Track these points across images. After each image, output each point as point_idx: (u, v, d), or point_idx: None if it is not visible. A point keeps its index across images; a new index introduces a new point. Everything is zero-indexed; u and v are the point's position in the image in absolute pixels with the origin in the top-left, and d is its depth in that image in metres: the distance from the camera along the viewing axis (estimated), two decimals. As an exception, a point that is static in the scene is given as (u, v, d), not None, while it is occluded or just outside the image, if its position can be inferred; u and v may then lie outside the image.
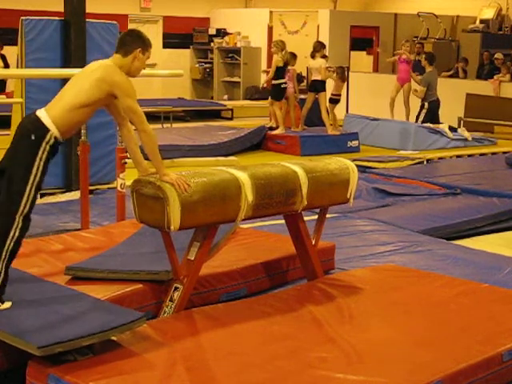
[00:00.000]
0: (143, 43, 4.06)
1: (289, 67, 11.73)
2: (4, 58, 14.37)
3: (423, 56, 13.06)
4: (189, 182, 4.00)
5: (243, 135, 11.36)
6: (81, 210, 6.19)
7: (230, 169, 4.34)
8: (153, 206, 3.97)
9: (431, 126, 12.09)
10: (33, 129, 3.77)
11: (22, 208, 3.72)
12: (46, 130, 3.78)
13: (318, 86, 11.63)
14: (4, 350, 3.46)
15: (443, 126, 12.08)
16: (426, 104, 12.27)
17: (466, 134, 12.26)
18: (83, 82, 3.95)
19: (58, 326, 3.44)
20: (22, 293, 3.88)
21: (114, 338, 3.56)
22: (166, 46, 18.43)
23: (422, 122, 12.24)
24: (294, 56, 11.94)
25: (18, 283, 4.02)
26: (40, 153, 3.75)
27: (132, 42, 4.04)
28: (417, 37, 17.82)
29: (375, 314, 4.23)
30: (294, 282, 4.99)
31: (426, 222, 6.89)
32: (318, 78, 11.63)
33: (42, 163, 3.76)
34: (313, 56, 11.78)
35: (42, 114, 3.84)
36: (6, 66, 14.29)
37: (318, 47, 11.78)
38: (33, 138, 3.75)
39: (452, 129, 12.32)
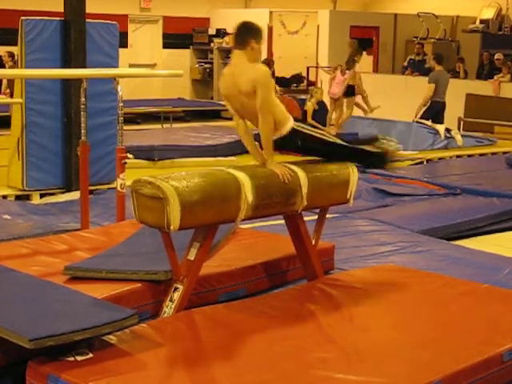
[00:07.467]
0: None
1: None
2: None
3: (431, 56, 13.01)
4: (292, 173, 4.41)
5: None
6: (81, 210, 6.19)
7: (229, 169, 4.34)
8: (152, 206, 3.97)
9: (429, 123, 11.98)
10: None
11: None
12: None
13: (351, 90, 12.44)
14: (2, 346, 3.46)
15: (439, 127, 11.92)
16: (429, 102, 12.06)
17: (458, 138, 11.98)
18: None
19: (51, 321, 3.45)
20: (18, 291, 3.89)
21: (112, 337, 3.56)
22: (165, 46, 18.43)
23: (421, 117, 12.13)
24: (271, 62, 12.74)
25: (13, 282, 4.04)
26: None
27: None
28: (417, 37, 17.82)
29: (375, 314, 4.23)
30: (294, 282, 4.98)
31: (426, 222, 6.88)
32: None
33: None
34: None
35: None
36: None
37: (355, 52, 12.39)
38: None
39: (447, 129, 12.18)
